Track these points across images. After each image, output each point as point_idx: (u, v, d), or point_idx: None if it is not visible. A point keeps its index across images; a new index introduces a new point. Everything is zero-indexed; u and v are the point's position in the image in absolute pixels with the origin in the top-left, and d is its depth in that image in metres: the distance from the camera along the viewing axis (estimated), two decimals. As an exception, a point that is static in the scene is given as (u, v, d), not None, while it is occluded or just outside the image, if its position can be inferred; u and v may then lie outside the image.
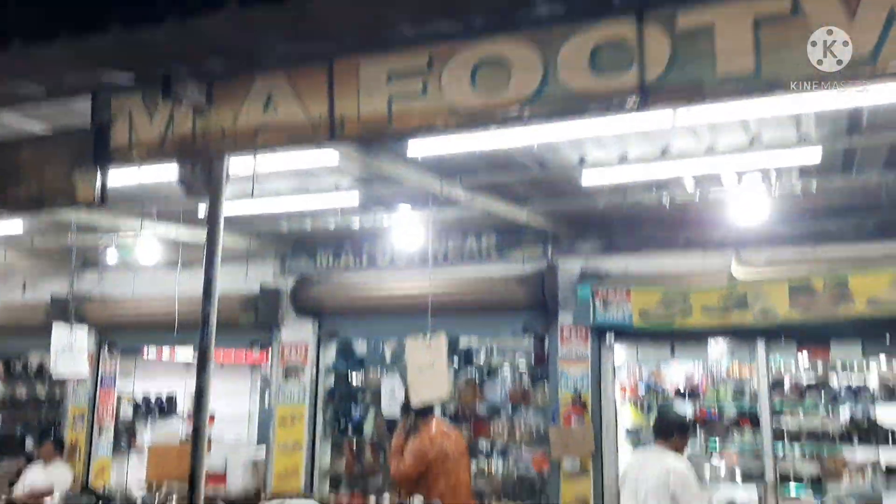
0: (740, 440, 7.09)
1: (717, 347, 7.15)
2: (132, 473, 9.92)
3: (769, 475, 6.80)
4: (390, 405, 8.15)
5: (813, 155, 4.76)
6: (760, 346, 6.97)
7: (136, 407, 10.01)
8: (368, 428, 8.47)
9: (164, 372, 10.72)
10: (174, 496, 5.67)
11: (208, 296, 3.45)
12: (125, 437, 9.92)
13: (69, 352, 6.59)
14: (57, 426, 9.80)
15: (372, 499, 7.62)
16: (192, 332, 8.62)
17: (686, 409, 7.42)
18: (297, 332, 8.80)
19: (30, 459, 9.08)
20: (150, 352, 10.08)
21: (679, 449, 5.61)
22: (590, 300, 7.25)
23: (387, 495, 7.47)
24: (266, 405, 12.19)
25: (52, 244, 8.61)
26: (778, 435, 6.92)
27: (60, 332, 6.79)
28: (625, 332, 7.31)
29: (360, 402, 8.68)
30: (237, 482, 8.43)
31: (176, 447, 8.77)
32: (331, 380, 8.86)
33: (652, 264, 7.40)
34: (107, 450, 9.39)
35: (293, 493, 7.96)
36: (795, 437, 6.93)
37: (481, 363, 8.35)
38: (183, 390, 10.83)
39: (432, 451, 6.24)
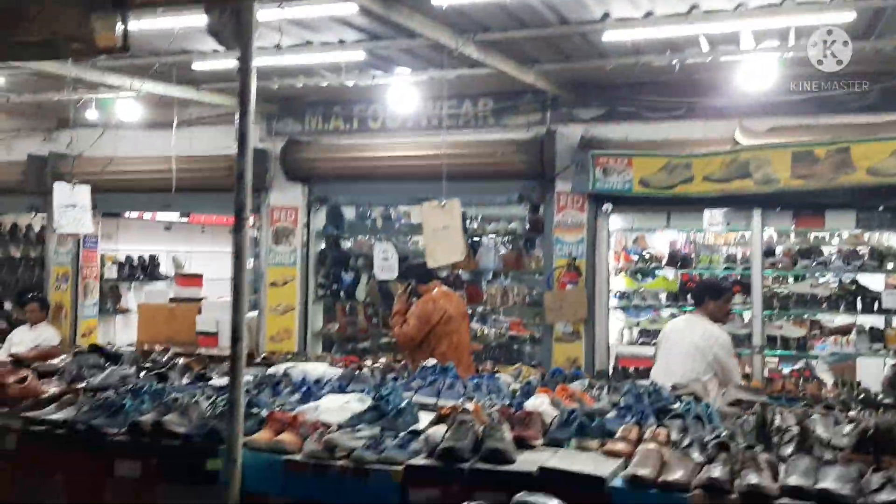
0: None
1: (713, 216, 7.22)
2: (119, 335, 9.95)
3: (757, 340, 7.04)
4: (383, 270, 8.16)
5: (846, 15, 4.66)
6: (756, 215, 7.06)
7: (120, 267, 9.91)
8: (361, 292, 8.52)
9: (145, 233, 10.57)
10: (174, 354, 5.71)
11: (242, 151, 3.33)
12: (110, 299, 9.88)
13: (72, 209, 6.45)
14: (37, 288, 9.69)
15: (368, 360, 7.80)
16: (178, 195, 8.52)
17: (674, 275, 7.59)
18: (286, 197, 8.68)
19: (9, 321, 9.02)
20: (131, 213, 9.90)
21: (716, 317, 5.66)
22: (590, 167, 7.22)
23: (382, 357, 7.63)
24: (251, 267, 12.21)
25: (29, 100, 8.25)
26: (768, 301, 7.12)
27: (62, 190, 6.61)
28: (622, 200, 7.34)
29: (351, 267, 8.69)
30: (229, 342, 8.49)
31: (166, 307, 8.77)
32: (321, 244, 8.83)
33: (653, 132, 7.35)
34: (93, 311, 9.36)
35: (288, 355, 8.10)
36: (784, 303, 7.13)
37: (475, 229, 8.35)
38: (165, 252, 10.74)
39: (436, 313, 6.32)
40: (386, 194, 8.49)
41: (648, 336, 7.53)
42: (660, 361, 5.54)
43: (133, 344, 8.87)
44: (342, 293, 8.64)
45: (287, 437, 3.36)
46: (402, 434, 3.41)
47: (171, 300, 8.85)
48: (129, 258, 10.14)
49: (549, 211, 7.70)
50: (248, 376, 5.22)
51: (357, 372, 4.93)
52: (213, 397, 3.85)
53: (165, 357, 5.57)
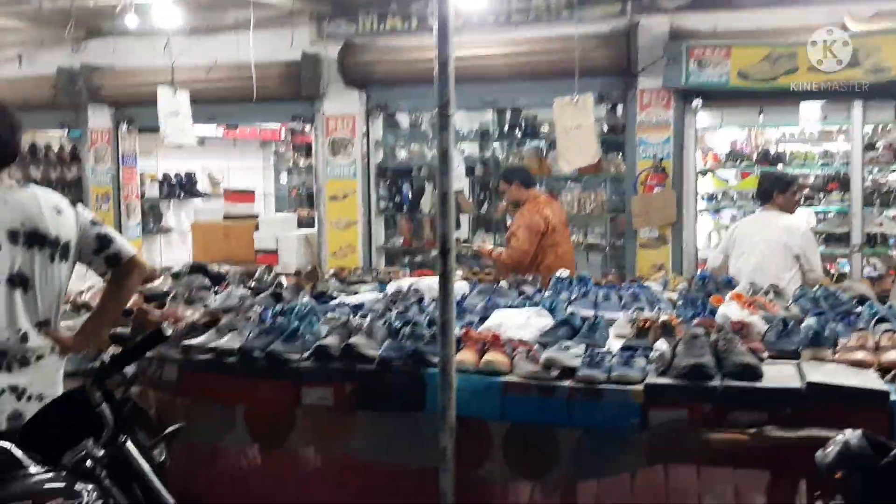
0: (827, 204, 7.06)
1: (809, 110, 6.91)
2: (164, 255, 9.62)
3: (856, 238, 6.83)
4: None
5: None
6: (857, 107, 6.74)
7: (160, 186, 9.50)
8: (426, 203, 8.19)
9: (180, 149, 10.09)
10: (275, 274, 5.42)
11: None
12: (152, 219, 9.50)
13: (175, 118, 6.00)
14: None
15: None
16: (223, 106, 8.07)
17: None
18: (342, 104, 8.22)
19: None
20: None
21: (788, 208, 5.52)
22: (683, 59, 6.83)
23: (458, 270, 7.38)
24: (284, 181, 11.83)
25: (63, 5, 7.67)
26: (867, 198, 6.88)
27: (165, 96, 6.13)
28: (714, 96, 6.98)
29: (414, 176, 8.34)
30: (290, 260, 8.22)
31: (221, 226, 8.43)
32: (380, 154, 8.44)
33: (746, 20, 6.92)
34: (137, 231, 8.98)
35: (357, 271, 7.83)
36: (885, 200, 6.90)
37: (547, 133, 7.97)
38: (200, 168, 10.30)
39: (542, 223, 6.03)
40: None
41: (738, 239, 7.30)
42: (738, 262, 5.28)
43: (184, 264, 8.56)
44: (405, 205, 8.31)
45: (497, 358, 3.11)
46: (610, 351, 3.18)
47: (226, 217, 8.48)
48: (166, 176, 9.71)
49: (631, 110, 7.32)
50: (369, 293, 4.97)
51: (495, 286, 4.66)
52: (389, 318, 3.59)
53: (270, 276, 5.27)
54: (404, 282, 4.99)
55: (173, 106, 6.18)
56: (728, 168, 7.46)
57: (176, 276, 5.15)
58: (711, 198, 7.43)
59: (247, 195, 8.86)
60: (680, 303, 4.20)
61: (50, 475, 2.51)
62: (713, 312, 3.80)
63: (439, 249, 2.95)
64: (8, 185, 2.98)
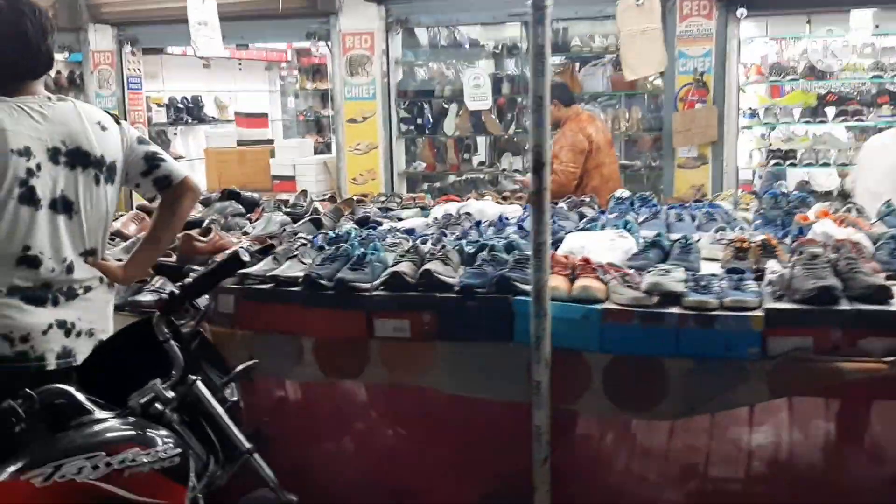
0: (877, 118, 6.74)
1: (861, 17, 6.52)
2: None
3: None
4: (475, 98, 7.47)
5: None
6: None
7: (167, 110, 9.07)
8: (450, 125, 7.82)
9: (185, 71, 9.65)
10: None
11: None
12: (160, 145, 9.07)
13: (204, 28, 5.58)
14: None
15: (472, 195, 7.24)
16: (232, 24, 7.62)
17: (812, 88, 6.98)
18: (359, 20, 7.76)
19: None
20: (171, 48, 8.95)
21: None
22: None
23: (487, 196, 7.07)
24: (291, 106, 11.39)
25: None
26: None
27: (194, 5, 5.68)
28: (757, 4, 6.57)
29: (437, 97, 7.94)
30: (309, 186, 7.87)
31: (235, 152, 8.05)
32: (400, 74, 8.02)
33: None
34: (145, 159, 8.59)
35: (381, 197, 7.51)
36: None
37: (578, 46, 7.55)
38: (205, 91, 9.86)
39: (585, 142, 5.71)
40: (477, 11, 7.59)
41: (780, 157, 7.01)
42: (860, 185, 4.98)
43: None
44: (427, 128, 7.94)
45: (592, 283, 2.83)
46: (715, 274, 2.90)
47: (239, 143, 8.10)
48: (173, 100, 9.28)
49: (670, 21, 6.91)
50: (416, 219, 4.67)
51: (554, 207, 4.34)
52: (460, 243, 3.30)
53: (306, 201, 4.95)
54: (450, 206, 4.68)
55: (202, 15, 5.74)
56: (772, 82, 7.09)
57: (206, 202, 4.83)
58: (753, 114, 7.08)
59: (259, 119, 8.45)
60: (757, 222, 3.92)
61: (118, 421, 2.24)
62: (801, 231, 3.54)
63: (533, 164, 2.63)
64: (45, 97, 2.65)
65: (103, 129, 2.70)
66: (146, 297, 3.21)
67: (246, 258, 2.34)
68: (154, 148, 2.91)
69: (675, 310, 2.70)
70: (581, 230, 3.63)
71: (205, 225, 4.22)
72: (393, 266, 3.04)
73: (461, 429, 2.83)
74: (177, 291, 2.33)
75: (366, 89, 7.79)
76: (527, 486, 2.72)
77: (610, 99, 7.45)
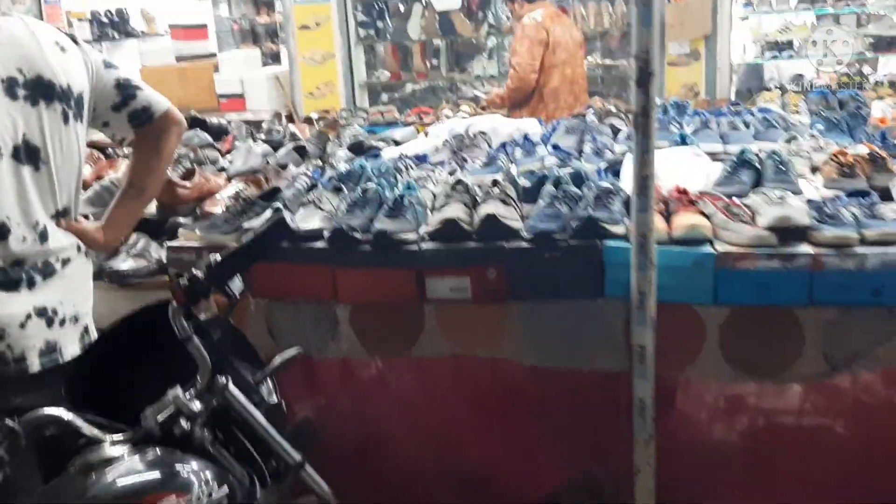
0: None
1: None
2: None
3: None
4: (441, -6, 6.73)
5: None
6: None
7: (90, 25, 8.02)
8: (414, 28, 7.05)
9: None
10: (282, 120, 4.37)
11: None
12: (85, 66, 8.08)
13: None
14: None
15: (445, 107, 6.59)
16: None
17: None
18: None
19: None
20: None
21: None
22: None
23: (464, 106, 6.45)
24: (223, 14, 10.35)
25: None
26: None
27: None
28: None
29: (398, -4, 7.15)
30: (261, 104, 7.09)
31: (174, 69, 7.14)
32: (355, -29, 7.17)
33: None
34: (70, 82, 7.60)
35: (342, 113, 6.78)
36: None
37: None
38: (130, 3, 8.77)
39: (544, 33, 5.12)
40: None
41: (777, 49, 6.51)
42: None
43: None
44: (389, 33, 7.16)
45: (697, 220, 2.29)
46: (840, 198, 2.39)
47: (178, 59, 7.19)
48: (95, 14, 8.20)
49: None
50: (420, 141, 4.02)
51: (575, 120, 3.75)
52: (511, 176, 2.70)
53: (281, 125, 4.25)
54: (457, 123, 4.04)
55: None
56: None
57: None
58: (748, 2, 6.52)
59: (199, 31, 7.51)
60: (819, 126, 3.41)
61: (137, 458, 1.63)
62: (885, 137, 3.06)
63: (637, 74, 2.04)
64: (-11, 11, 1.93)
65: (63, 50, 2.01)
66: (127, 263, 2.55)
67: (290, 222, 1.72)
68: (125, 73, 2.23)
69: (804, 248, 2.18)
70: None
71: (183, 164, 3.53)
72: (440, 209, 2.44)
73: (544, 406, 2.31)
74: (200, 274, 1.70)
75: (318, -9, 6.95)
76: (624, 468, 2.24)
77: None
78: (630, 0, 1.79)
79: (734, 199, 2.43)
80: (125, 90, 2.17)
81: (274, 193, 2.71)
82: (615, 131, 3.64)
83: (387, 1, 7.20)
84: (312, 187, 2.78)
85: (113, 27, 8.29)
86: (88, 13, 8.03)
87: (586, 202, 2.37)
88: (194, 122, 4.07)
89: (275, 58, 9.12)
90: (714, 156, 3.06)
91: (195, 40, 7.41)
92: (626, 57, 7.09)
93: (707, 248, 2.22)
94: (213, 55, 7.29)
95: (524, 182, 2.63)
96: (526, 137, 3.52)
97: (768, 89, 5.11)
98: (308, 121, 4.68)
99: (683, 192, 2.39)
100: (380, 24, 7.15)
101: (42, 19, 7.27)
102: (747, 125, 3.42)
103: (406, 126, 6.10)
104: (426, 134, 5.82)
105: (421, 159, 3.44)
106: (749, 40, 6.63)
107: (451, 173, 3.02)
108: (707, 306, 2.23)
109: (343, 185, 2.73)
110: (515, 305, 2.33)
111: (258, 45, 10.34)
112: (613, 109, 3.91)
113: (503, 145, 3.45)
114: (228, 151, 3.92)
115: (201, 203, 2.80)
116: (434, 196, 2.74)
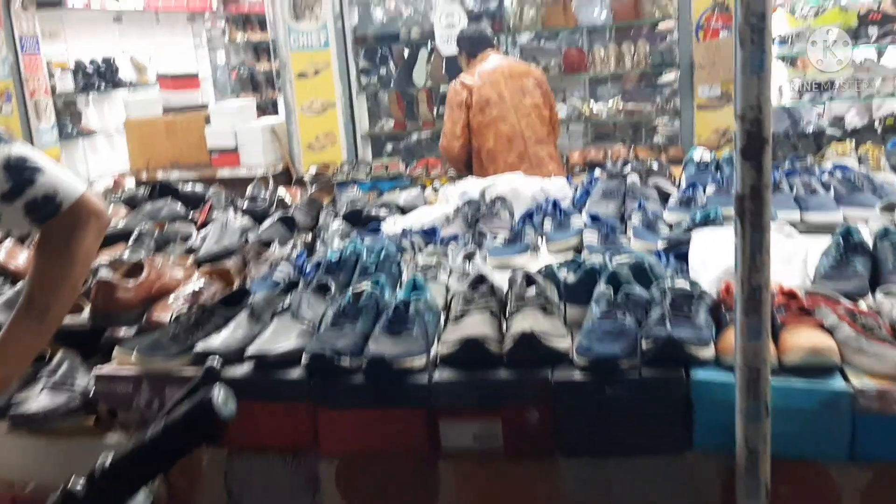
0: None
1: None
2: (90, 164, 7.73)
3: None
4: (448, 40, 6.15)
5: None
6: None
7: (74, 76, 7.48)
8: (420, 74, 6.47)
9: (93, 28, 8.03)
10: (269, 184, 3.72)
11: None
12: (69, 119, 7.54)
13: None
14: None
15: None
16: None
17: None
18: (301, -50, 6.33)
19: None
20: (73, 1, 7.32)
21: None
22: None
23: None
24: (220, 62, 9.86)
25: None
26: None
27: None
28: None
29: (402, 40, 6.57)
30: (256, 158, 6.50)
31: (161, 121, 6.56)
32: (356, 15, 6.62)
33: None
34: (52, 137, 7.03)
35: (344, 167, 6.18)
36: None
37: (570, -28, 6.24)
38: (120, 52, 8.26)
39: (463, 93, 4.56)
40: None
41: (817, 91, 5.89)
42: None
43: (125, 174, 6.76)
44: (393, 79, 6.58)
45: (819, 340, 1.62)
46: None
47: (165, 111, 6.61)
48: (80, 64, 7.67)
49: (682, -66, 5.69)
50: (428, 209, 3.38)
51: (612, 178, 3.09)
52: (550, 268, 2.05)
53: (266, 191, 3.61)
54: (470, 185, 3.40)
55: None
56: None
57: (131, 202, 3.46)
58: (783, 41, 5.93)
59: (188, 80, 6.93)
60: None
61: None
62: None
63: (743, 140, 1.39)
64: None
65: None
66: (41, 399, 1.89)
67: (223, 410, 1.07)
68: (21, 149, 1.59)
69: (981, 382, 1.51)
70: (699, 224, 2.40)
71: (132, 242, 2.89)
72: (458, 321, 1.79)
73: None
74: (80, 490, 1.04)
75: (316, 37, 6.38)
76: None
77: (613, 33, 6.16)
78: (735, 42, 1.11)
79: (857, 302, 1.77)
80: (18, 174, 1.54)
81: (240, 296, 2.06)
82: (662, 195, 2.99)
83: (390, 46, 6.63)
84: (291, 287, 2.12)
85: (100, 76, 7.76)
86: (72, 62, 7.49)
87: (660, 313, 1.70)
88: (164, 190, 3.43)
89: (275, 107, 8.59)
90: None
91: (185, 90, 6.82)
92: (644, 100, 6.52)
93: (838, 383, 1.56)
94: (205, 106, 6.70)
95: (566, 275, 1.97)
96: (555, 204, 2.88)
97: (837, 138, 4.48)
98: (300, 183, 4.04)
99: (791, 294, 1.72)
100: (383, 70, 6.57)
101: (19, 69, 6.75)
102: (826, 186, 2.77)
103: (411, 183, 5.52)
104: (434, 189, 5.26)
105: (430, 234, 2.80)
106: (785, 81, 6.01)
107: (469, 256, 2.37)
108: (842, 465, 1.56)
109: (331, 281, 2.08)
110: (565, 462, 1.66)
111: (258, 94, 9.84)
112: (656, 167, 3.26)
113: (528, 215, 2.80)
114: (204, 224, 3.28)
115: (152, 305, 2.15)
116: (448, 290, 2.11)
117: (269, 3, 6.57)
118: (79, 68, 7.60)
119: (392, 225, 3.03)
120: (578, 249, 2.56)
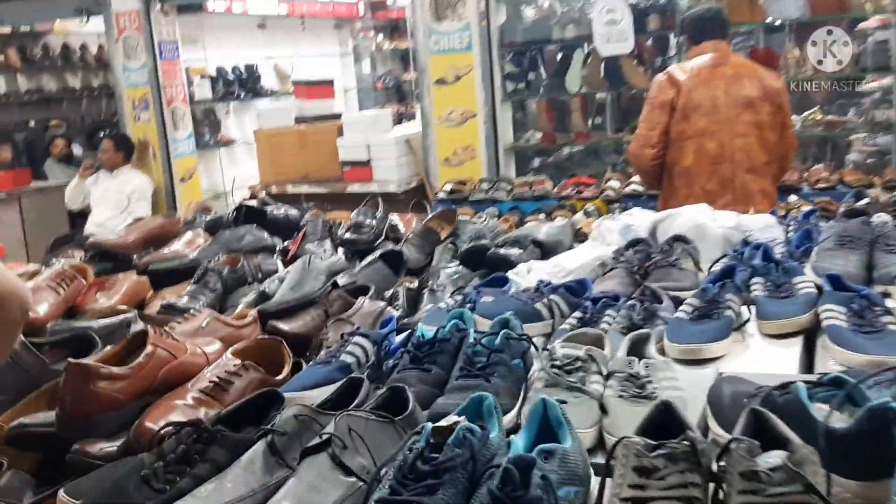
0: None
1: None
2: (227, 174, 7.35)
3: None
4: (609, 39, 5.23)
5: None
6: None
7: (213, 83, 7.12)
8: (574, 79, 5.57)
9: (235, 34, 7.66)
10: (383, 209, 2.94)
11: None
12: (207, 128, 7.18)
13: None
14: (110, 126, 7.09)
15: (610, 180, 5.04)
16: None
17: None
18: (446, -57, 5.60)
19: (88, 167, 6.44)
20: (215, 5, 6.95)
21: None
22: None
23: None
24: (363, 70, 9.35)
25: None
26: None
27: None
28: None
29: (555, 41, 5.71)
30: (389, 173, 5.83)
31: (292, 131, 6.02)
32: (503, 14, 5.81)
33: None
34: (189, 147, 6.66)
35: (483, 183, 5.37)
36: None
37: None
38: (263, 58, 7.86)
39: (669, 90, 3.45)
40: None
41: None
42: None
43: (253, 186, 6.28)
44: (542, 86, 5.72)
45: None
46: None
47: (298, 120, 6.07)
48: (221, 70, 7.31)
49: None
50: (568, 255, 2.51)
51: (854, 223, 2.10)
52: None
53: (373, 218, 2.83)
54: (638, 217, 2.48)
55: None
56: None
57: (213, 228, 2.78)
58: None
59: (323, 88, 6.38)
60: None
61: None
62: None
63: None
64: None
65: None
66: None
67: None
68: None
69: None
70: None
71: (186, 300, 2.18)
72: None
73: None
74: None
75: (458, 38, 5.62)
76: None
77: (808, 25, 5.01)
78: None
79: None
80: None
81: (267, 406, 1.27)
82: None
83: (541, 48, 5.78)
84: (353, 388, 1.31)
85: (240, 85, 7.35)
86: (211, 69, 7.12)
87: None
88: (250, 215, 2.74)
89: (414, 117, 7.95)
90: None
91: (319, 98, 6.26)
92: (840, 111, 5.33)
93: None
94: (338, 116, 6.10)
95: (829, 414, 1.04)
96: (766, 254, 1.94)
97: None
98: (418, 207, 3.25)
99: None
100: (531, 75, 5.72)
101: (157, 76, 6.41)
102: None
103: (559, 205, 4.65)
104: (586, 214, 4.35)
105: (577, 290, 1.93)
106: None
107: (636, 343, 1.48)
108: None
109: (410, 389, 1.26)
110: None
111: (403, 105, 9.27)
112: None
113: (728, 270, 1.87)
114: (294, 258, 2.56)
115: (152, 405, 1.41)
116: (602, 409, 1.24)
117: (409, 3, 5.88)
118: (220, 75, 7.24)
119: (525, 274, 2.17)
120: (808, 332, 1.62)
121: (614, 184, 4.91)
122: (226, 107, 7.44)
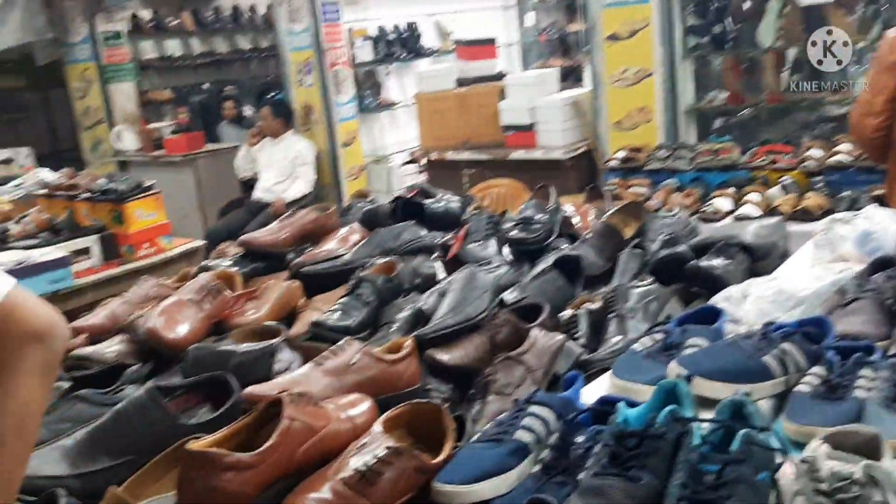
0: None
1: None
2: (387, 138, 7.16)
3: None
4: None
5: None
6: None
7: (374, 44, 6.88)
8: (767, 31, 4.85)
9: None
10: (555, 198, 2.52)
11: None
12: (369, 90, 6.98)
13: None
14: (277, 87, 7.05)
15: (810, 148, 4.37)
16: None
17: None
18: None
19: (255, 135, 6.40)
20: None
21: None
22: None
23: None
24: (525, 25, 8.83)
25: None
26: None
27: None
28: None
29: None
30: (554, 138, 5.39)
31: (452, 95, 5.68)
32: (686, -41, 5.15)
33: None
34: (351, 111, 6.48)
35: (659, 151, 4.83)
36: None
37: None
38: (423, 15, 7.52)
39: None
40: None
41: None
42: None
43: (414, 150, 6.03)
44: (728, 41, 5.04)
45: None
46: None
47: (459, 82, 5.72)
48: (382, 30, 7.06)
49: None
50: (786, 275, 2.01)
51: None
52: None
53: (547, 207, 2.44)
54: (880, 220, 1.95)
55: None
56: None
57: (370, 221, 2.49)
58: None
59: (484, 47, 5.98)
60: None
61: None
62: None
63: None
64: None
65: None
66: None
67: None
68: None
69: None
70: None
71: (336, 317, 1.90)
72: None
73: None
74: None
75: (634, -11, 5.04)
76: None
77: None
78: None
79: None
80: None
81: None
82: None
83: (730, -2, 5.09)
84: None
85: (402, 45, 7.08)
86: (375, 29, 6.88)
87: None
88: (407, 209, 2.43)
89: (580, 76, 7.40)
90: None
91: (480, 59, 5.88)
92: None
93: None
94: (500, 76, 5.71)
95: None
96: None
97: None
98: (594, 193, 2.81)
99: None
100: (717, 28, 5.05)
101: (319, 38, 6.24)
102: None
103: (749, 177, 4.07)
104: (783, 189, 3.79)
105: (815, 337, 1.48)
106: None
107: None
108: None
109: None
110: None
111: (568, 59, 8.70)
112: None
113: None
114: (455, 259, 2.24)
115: (278, 493, 1.13)
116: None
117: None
118: (381, 36, 6.99)
119: (740, 300, 1.72)
120: None
121: (815, 152, 4.24)
122: (386, 68, 7.20)
